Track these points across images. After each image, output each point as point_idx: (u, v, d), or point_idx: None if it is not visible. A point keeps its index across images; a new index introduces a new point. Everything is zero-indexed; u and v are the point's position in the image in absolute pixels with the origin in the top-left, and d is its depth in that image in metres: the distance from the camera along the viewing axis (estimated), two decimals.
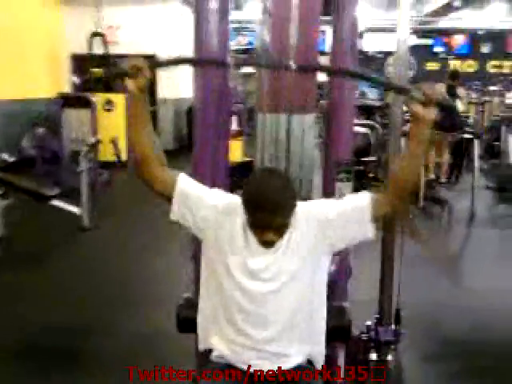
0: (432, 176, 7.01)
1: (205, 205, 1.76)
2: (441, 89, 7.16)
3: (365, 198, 1.73)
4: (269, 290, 1.69)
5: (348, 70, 2.28)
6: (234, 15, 10.19)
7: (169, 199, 1.77)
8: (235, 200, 1.76)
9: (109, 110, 8.60)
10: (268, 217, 1.60)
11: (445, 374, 2.97)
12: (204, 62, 2.12)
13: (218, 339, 1.75)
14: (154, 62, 1.80)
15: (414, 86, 1.68)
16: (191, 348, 2.06)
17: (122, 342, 3.26)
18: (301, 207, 1.74)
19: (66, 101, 7.82)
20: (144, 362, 2.96)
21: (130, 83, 1.69)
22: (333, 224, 1.73)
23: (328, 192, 2.44)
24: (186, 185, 1.78)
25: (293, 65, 1.98)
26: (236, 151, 5.43)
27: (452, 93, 7.48)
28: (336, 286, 2.20)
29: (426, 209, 6.40)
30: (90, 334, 3.39)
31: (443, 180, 7.37)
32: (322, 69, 2.45)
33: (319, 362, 1.82)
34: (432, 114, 1.64)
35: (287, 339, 1.71)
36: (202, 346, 1.84)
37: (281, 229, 1.66)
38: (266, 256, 1.69)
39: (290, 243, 1.71)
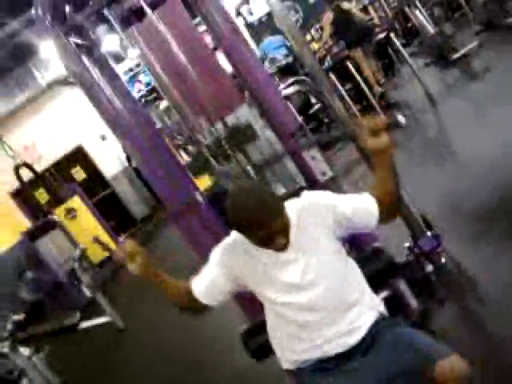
0: (378, 88, 7.03)
1: (217, 280, 1.82)
2: (330, 17, 7.19)
3: (374, 204, 1.77)
4: (318, 290, 1.71)
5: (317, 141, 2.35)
6: (120, 68, 10.19)
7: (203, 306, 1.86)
8: (223, 244, 1.84)
9: (73, 217, 8.55)
10: (268, 227, 1.63)
11: (493, 242, 3.01)
12: None
13: (296, 350, 1.79)
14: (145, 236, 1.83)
15: (357, 127, 1.72)
16: None
17: None
18: (306, 200, 1.80)
19: (33, 235, 7.76)
20: None
21: (132, 269, 1.73)
22: (340, 222, 1.77)
23: (301, 165, 2.48)
24: (199, 288, 1.85)
25: None
26: (205, 182, 5.40)
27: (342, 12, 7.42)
28: (360, 234, 2.24)
29: (390, 118, 6.45)
30: None
31: (382, 81, 7.42)
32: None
33: (383, 308, 1.86)
34: (385, 139, 1.67)
35: (346, 311, 1.74)
36: (286, 366, 1.87)
37: (284, 229, 1.69)
38: (290, 262, 1.73)
39: (305, 237, 1.74)
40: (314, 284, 1.72)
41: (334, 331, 1.72)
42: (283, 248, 1.72)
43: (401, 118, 1.47)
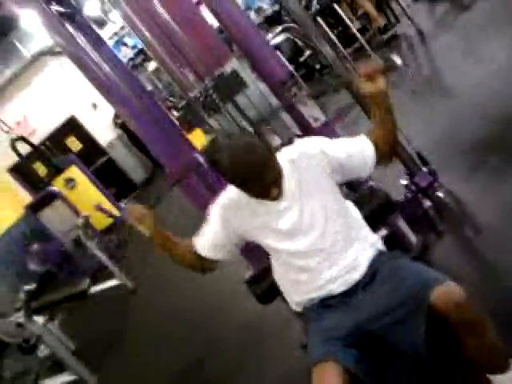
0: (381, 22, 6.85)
1: (221, 236, 1.89)
2: None
3: (370, 147, 1.80)
4: (315, 234, 1.77)
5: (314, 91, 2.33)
6: (104, 33, 9.99)
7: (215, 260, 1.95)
8: (221, 200, 1.89)
9: (73, 188, 8.59)
10: (261, 179, 1.67)
11: (488, 174, 3.04)
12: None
13: (302, 291, 1.86)
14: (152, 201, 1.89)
15: (354, 73, 1.72)
16: None
17: None
18: (299, 147, 1.84)
19: (35, 207, 7.82)
20: None
21: (141, 229, 1.83)
22: (335, 167, 1.81)
23: (294, 113, 2.50)
24: (204, 247, 1.93)
25: None
26: (199, 139, 5.40)
27: None
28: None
29: (385, 56, 6.36)
30: None
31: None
32: None
33: (381, 244, 1.92)
34: (382, 83, 1.68)
35: (349, 249, 1.80)
36: (294, 307, 1.95)
37: (277, 179, 1.72)
38: (286, 209, 1.77)
39: (299, 184, 1.78)
40: (311, 228, 1.77)
41: (335, 271, 1.78)
42: (277, 197, 1.76)
43: (396, 59, 1.48)
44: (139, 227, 1.83)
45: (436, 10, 6.53)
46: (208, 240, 1.92)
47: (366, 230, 1.90)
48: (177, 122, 2.81)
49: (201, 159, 2.52)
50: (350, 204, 1.91)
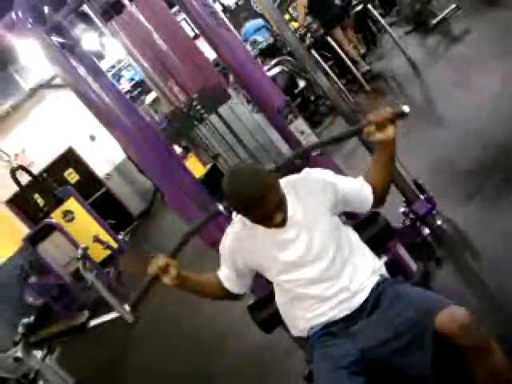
0: (364, 66, 7.00)
1: (236, 268, 1.93)
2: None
3: (369, 189, 1.85)
4: (322, 264, 1.78)
5: (321, 142, 2.38)
6: (104, 65, 10.13)
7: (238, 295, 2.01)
8: (228, 233, 1.91)
9: (71, 220, 8.57)
10: (264, 205, 1.68)
11: (484, 200, 3.06)
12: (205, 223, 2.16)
13: (306, 318, 1.85)
14: (173, 250, 1.88)
15: (363, 121, 1.74)
16: None
17: None
18: (305, 175, 1.88)
19: (33, 240, 7.79)
20: None
21: (166, 281, 1.81)
22: (339, 199, 1.84)
23: (289, 138, 2.53)
24: (226, 274, 1.96)
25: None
26: (196, 166, 5.46)
27: None
28: None
29: (374, 89, 6.48)
30: None
31: (362, 52, 7.42)
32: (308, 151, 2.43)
33: (384, 270, 1.93)
34: (392, 132, 1.72)
35: (352, 275, 1.81)
36: (295, 332, 1.94)
37: (281, 204, 1.73)
38: (292, 238, 1.79)
39: (304, 212, 1.80)
40: (319, 257, 1.78)
41: (339, 298, 1.79)
42: (281, 224, 1.77)
43: (405, 108, 1.52)
44: (162, 278, 1.80)
45: (427, 42, 6.66)
46: (231, 277, 1.96)
47: (369, 256, 1.91)
48: (177, 148, 2.84)
49: (195, 186, 2.53)
50: (352, 233, 1.93)
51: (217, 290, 1.99)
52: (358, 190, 1.87)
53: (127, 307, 3.99)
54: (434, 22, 6.64)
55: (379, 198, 1.88)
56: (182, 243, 1.89)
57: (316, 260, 1.78)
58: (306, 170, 1.92)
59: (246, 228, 1.84)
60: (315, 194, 1.82)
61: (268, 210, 1.70)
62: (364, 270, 1.83)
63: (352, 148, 4.49)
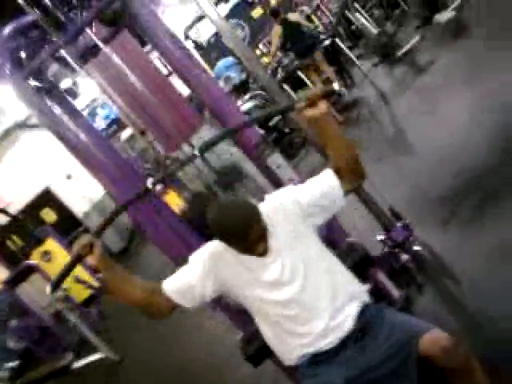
0: (342, 89, 7.14)
1: (198, 281, 1.87)
2: (277, 30, 7.29)
3: (333, 179, 1.82)
4: (297, 285, 1.80)
5: (250, 120, 2.44)
6: (79, 103, 10.14)
7: (176, 306, 1.89)
8: (209, 249, 1.90)
9: (49, 260, 8.44)
10: (249, 237, 1.73)
11: (460, 223, 3.14)
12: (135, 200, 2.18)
13: (296, 348, 1.85)
14: (98, 228, 1.90)
15: (295, 99, 1.79)
16: None
17: None
18: (271, 202, 1.89)
19: (13, 282, 7.64)
20: None
21: (89, 261, 1.80)
22: (310, 212, 1.85)
23: (267, 172, 2.58)
24: (172, 286, 1.89)
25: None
26: (175, 202, 5.46)
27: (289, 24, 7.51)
28: (333, 233, 2.34)
29: (345, 119, 6.59)
30: None
31: (339, 89, 7.57)
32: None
33: (366, 296, 1.94)
34: (323, 107, 1.72)
35: (339, 305, 1.82)
36: (287, 362, 1.94)
37: (263, 235, 1.78)
38: (270, 263, 1.81)
39: (279, 237, 1.82)
40: (292, 280, 1.80)
41: (322, 326, 1.79)
42: (263, 253, 1.81)
43: (335, 86, 1.54)
44: (87, 257, 1.80)
45: (395, 73, 6.85)
46: (180, 281, 1.90)
47: (351, 281, 1.92)
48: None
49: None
50: (333, 257, 1.94)
51: (146, 295, 1.87)
52: (325, 187, 1.84)
53: (48, 289, 3.92)
54: (400, 53, 6.86)
55: (350, 176, 1.82)
56: (109, 221, 1.90)
57: (289, 282, 1.80)
58: (271, 196, 1.95)
59: (229, 251, 1.84)
60: (287, 217, 1.85)
61: (250, 243, 1.75)
62: (347, 296, 1.85)
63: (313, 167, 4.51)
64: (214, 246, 1.91)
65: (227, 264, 1.86)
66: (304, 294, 1.80)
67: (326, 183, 1.84)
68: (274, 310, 1.84)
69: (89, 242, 1.80)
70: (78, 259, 1.80)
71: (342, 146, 1.80)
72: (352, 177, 1.84)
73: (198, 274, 1.88)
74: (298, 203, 1.85)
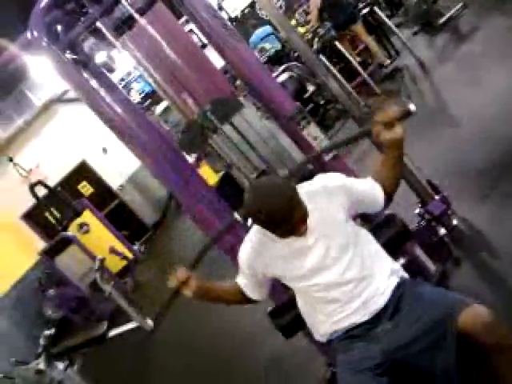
0: (382, 59, 6.98)
1: (256, 276, 1.96)
2: (316, 1, 7.12)
3: (378, 186, 1.86)
4: (336, 268, 1.79)
5: (332, 146, 2.49)
6: (114, 77, 10.21)
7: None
8: (251, 240, 1.92)
9: (86, 232, 8.64)
10: (291, 220, 1.70)
11: (499, 197, 3.05)
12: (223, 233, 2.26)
13: (328, 322, 1.86)
14: (193, 262, 2.00)
15: (371, 122, 1.74)
16: None
17: None
18: (316, 184, 1.88)
19: (51, 253, 7.87)
20: None
21: (186, 293, 1.92)
22: (353, 200, 1.86)
23: (302, 144, 2.55)
24: (245, 282, 2.01)
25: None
26: (209, 175, 5.50)
27: None
28: None
29: (384, 90, 6.47)
30: None
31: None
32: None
33: (403, 272, 1.93)
34: (400, 131, 1.71)
35: (369, 280, 1.81)
36: (318, 337, 1.96)
37: (304, 216, 1.74)
38: (311, 244, 1.80)
39: (315, 217, 1.80)
40: (337, 261, 1.79)
41: (359, 301, 1.79)
42: (304, 233, 1.78)
43: (411, 106, 1.51)
44: (184, 291, 1.91)
45: (435, 42, 6.64)
46: (250, 285, 2.00)
47: (386, 259, 1.91)
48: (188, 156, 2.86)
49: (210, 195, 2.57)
50: (369, 236, 1.93)
51: (236, 297, 2.03)
52: (370, 190, 1.87)
53: (150, 321, 4.05)
54: (442, 21, 6.62)
55: (388, 198, 1.89)
56: (201, 255, 1.93)
57: (334, 264, 1.79)
58: (319, 177, 1.93)
59: (264, 238, 1.85)
60: (331, 200, 1.83)
61: (295, 224, 1.72)
62: (383, 272, 1.84)
63: (363, 151, 4.50)
64: (248, 240, 1.93)
65: (263, 254, 1.88)
66: (346, 275, 1.79)
67: (372, 186, 1.88)
68: (310, 291, 1.85)
69: (185, 276, 1.89)
70: (176, 293, 1.94)
71: (398, 171, 1.87)
72: (387, 199, 1.90)
73: (250, 273, 1.97)
74: (345, 191, 1.85)
